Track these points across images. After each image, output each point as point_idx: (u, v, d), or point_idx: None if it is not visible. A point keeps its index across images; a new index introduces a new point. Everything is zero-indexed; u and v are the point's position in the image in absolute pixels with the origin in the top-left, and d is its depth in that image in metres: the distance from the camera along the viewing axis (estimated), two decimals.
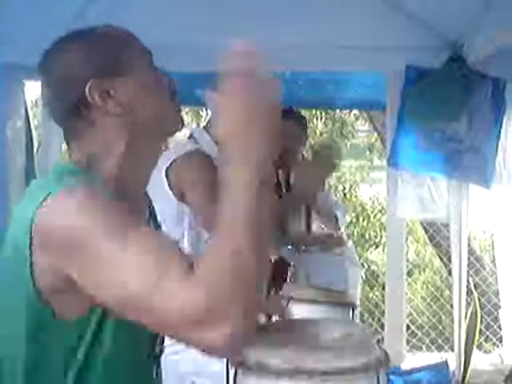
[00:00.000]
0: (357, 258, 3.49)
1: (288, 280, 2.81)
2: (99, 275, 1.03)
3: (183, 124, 1.28)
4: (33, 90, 4.01)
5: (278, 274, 2.89)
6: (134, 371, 1.23)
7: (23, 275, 1.09)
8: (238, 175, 1.03)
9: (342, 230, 3.35)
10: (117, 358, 1.17)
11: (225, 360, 1.20)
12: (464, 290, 3.12)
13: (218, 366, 1.33)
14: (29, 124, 3.10)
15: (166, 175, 2.41)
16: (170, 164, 2.41)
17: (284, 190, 3.21)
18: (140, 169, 1.24)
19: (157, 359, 1.31)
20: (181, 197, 2.42)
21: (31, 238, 1.07)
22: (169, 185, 2.41)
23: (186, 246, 2.40)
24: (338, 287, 2.65)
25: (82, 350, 1.13)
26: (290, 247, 3.09)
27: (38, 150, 3.19)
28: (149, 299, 0.99)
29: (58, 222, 1.06)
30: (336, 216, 3.30)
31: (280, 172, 3.23)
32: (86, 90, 1.16)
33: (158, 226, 1.40)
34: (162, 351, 1.33)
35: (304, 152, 3.54)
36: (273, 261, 2.89)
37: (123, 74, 1.19)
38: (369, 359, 1.17)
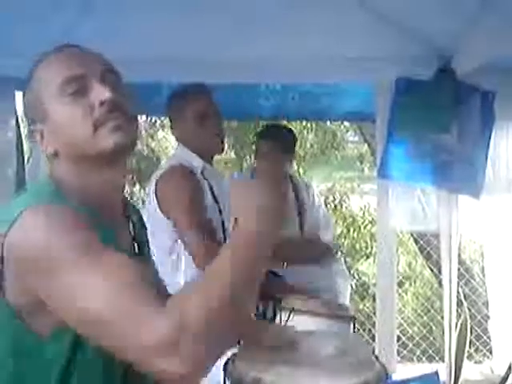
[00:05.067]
0: (345, 269, 3.49)
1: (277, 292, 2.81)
2: (68, 298, 1.07)
3: (125, 143, 1.24)
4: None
5: (268, 286, 2.88)
6: (122, 374, 1.23)
7: None
8: (248, 251, 1.09)
9: (331, 241, 3.34)
10: (98, 364, 1.18)
11: (222, 376, 1.20)
12: (454, 300, 3.12)
13: (213, 381, 1.33)
14: (19, 134, 3.10)
15: (155, 195, 2.41)
16: (156, 184, 2.41)
17: None
18: (99, 191, 1.25)
19: None
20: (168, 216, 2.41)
21: (2, 258, 1.11)
22: (158, 205, 2.41)
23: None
24: (333, 299, 2.65)
25: (63, 360, 1.15)
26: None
27: (28, 161, 3.18)
28: (115, 324, 1.02)
29: (28, 243, 1.09)
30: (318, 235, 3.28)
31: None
32: (30, 135, 1.27)
33: (145, 241, 1.40)
34: None
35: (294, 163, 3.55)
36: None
37: (45, 118, 1.24)
38: (367, 376, 1.16)
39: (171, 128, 2.61)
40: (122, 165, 1.29)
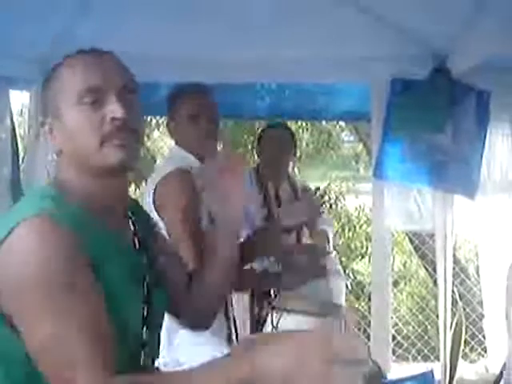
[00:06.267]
0: (340, 268, 3.49)
1: (272, 291, 2.81)
2: (30, 323, 1.11)
3: (129, 162, 1.26)
4: (18, 99, 4.00)
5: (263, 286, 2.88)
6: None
7: None
8: None
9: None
10: None
11: None
12: (449, 300, 3.13)
13: None
14: (14, 134, 3.09)
15: (153, 200, 2.39)
16: (154, 190, 2.40)
17: (273, 204, 3.21)
18: (100, 195, 1.28)
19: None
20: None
21: None
22: (154, 208, 2.39)
23: None
24: (327, 299, 2.65)
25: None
26: (272, 259, 3.08)
27: (23, 160, 3.17)
28: (58, 371, 1.08)
29: (13, 260, 1.13)
30: (327, 233, 3.30)
31: (269, 184, 3.23)
32: (40, 126, 1.31)
33: (147, 246, 1.41)
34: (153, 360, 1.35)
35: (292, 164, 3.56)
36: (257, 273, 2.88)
37: (57, 116, 1.27)
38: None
39: (167, 127, 2.61)
40: (124, 177, 1.33)
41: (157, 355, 1.37)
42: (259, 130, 3.98)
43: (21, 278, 1.11)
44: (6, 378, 1.18)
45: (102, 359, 1.07)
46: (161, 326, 1.41)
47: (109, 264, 1.20)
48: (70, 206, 1.21)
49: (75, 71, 1.26)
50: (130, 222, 1.37)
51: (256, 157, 3.49)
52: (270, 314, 2.52)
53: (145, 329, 1.28)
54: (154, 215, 2.37)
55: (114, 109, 1.23)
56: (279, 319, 2.31)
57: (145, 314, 1.29)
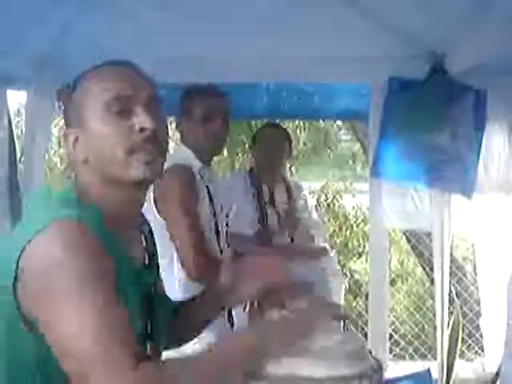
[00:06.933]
0: (339, 268, 3.49)
1: None
2: (54, 325, 1.10)
3: (153, 178, 1.28)
4: (15, 98, 4.00)
5: None
6: None
7: (7, 288, 1.14)
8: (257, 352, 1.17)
9: (325, 240, 3.36)
10: None
11: None
12: (446, 298, 3.14)
13: None
14: (11, 134, 3.09)
15: (153, 193, 2.39)
16: (155, 186, 2.39)
17: (267, 203, 3.22)
18: (120, 206, 1.28)
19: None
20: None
21: (17, 272, 1.12)
22: (154, 203, 2.39)
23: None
24: (327, 297, 2.66)
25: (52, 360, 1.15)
26: None
27: (20, 160, 3.17)
28: (87, 368, 1.06)
29: (38, 265, 1.11)
30: (312, 235, 3.31)
31: (264, 185, 3.24)
32: (61, 138, 1.25)
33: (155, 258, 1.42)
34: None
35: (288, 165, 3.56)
36: None
37: (83, 126, 1.26)
38: (364, 368, 1.18)
39: (178, 125, 2.61)
40: (145, 190, 1.33)
41: None
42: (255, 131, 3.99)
43: (46, 278, 1.10)
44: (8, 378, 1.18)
45: (121, 359, 1.06)
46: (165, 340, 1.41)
47: (119, 276, 1.18)
48: (90, 210, 1.21)
49: (102, 81, 1.26)
50: (143, 237, 1.37)
51: (252, 157, 3.49)
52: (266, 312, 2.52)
53: (148, 345, 1.28)
54: (153, 210, 2.38)
55: (142, 119, 1.23)
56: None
57: (148, 329, 1.29)
